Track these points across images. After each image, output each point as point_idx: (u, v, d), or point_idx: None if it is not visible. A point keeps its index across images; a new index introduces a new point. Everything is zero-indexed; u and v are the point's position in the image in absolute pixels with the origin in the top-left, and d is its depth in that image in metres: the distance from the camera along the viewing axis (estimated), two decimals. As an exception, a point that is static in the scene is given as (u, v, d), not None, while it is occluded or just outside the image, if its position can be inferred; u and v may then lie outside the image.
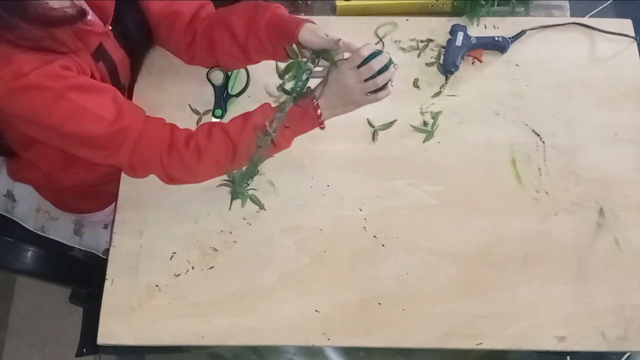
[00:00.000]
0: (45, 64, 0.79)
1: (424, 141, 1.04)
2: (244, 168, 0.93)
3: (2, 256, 0.97)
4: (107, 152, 0.87)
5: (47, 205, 1.17)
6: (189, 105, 1.05)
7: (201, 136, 0.89)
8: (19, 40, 0.77)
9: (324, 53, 0.88)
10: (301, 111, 0.88)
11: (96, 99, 0.84)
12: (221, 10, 1.00)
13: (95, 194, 1.15)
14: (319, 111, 0.88)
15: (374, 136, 1.03)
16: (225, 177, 0.94)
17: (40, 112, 0.81)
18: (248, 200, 0.97)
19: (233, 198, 0.97)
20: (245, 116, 0.90)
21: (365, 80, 0.84)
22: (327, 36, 0.86)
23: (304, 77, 0.87)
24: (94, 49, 0.90)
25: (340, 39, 0.85)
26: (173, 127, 0.91)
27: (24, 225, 1.15)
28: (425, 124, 1.05)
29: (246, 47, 0.96)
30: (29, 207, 1.16)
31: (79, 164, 1.02)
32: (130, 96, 1.07)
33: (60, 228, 1.18)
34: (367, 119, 1.04)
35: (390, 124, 1.04)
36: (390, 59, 0.85)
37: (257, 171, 0.98)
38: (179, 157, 0.88)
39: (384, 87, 0.86)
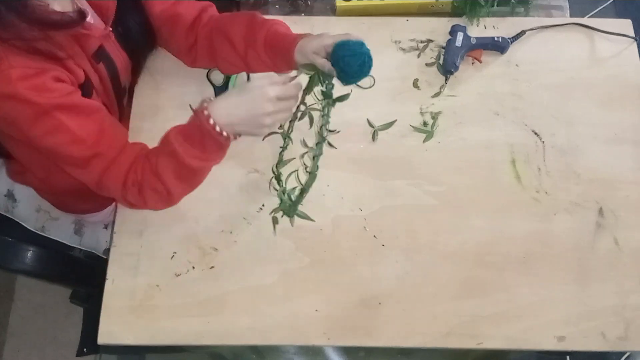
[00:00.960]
0: (37, 75, 0.78)
1: (424, 141, 1.04)
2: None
3: (2, 256, 0.97)
4: (78, 170, 0.87)
5: (48, 206, 1.17)
6: (189, 106, 1.05)
7: (137, 169, 0.87)
8: (15, 40, 0.75)
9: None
10: (197, 127, 0.82)
11: (80, 120, 0.83)
12: (221, 17, 1.00)
13: (94, 194, 1.15)
14: (211, 120, 0.81)
15: (374, 136, 1.03)
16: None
17: (21, 122, 0.80)
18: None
19: (289, 215, 0.95)
20: (163, 140, 0.87)
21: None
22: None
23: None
24: (94, 51, 0.89)
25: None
26: (136, 160, 0.88)
27: (24, 225, 1.15)
28: (425, 124, 1.05)
29: (246, 59, 0.98)
30: (30, 207, 1.16)
31: None
32: (130, 97, 1.07)
33: (60, 228, 1.18)
34: (367, 119, 1.04)
35: (390, 124, 1.04)
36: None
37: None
38: (131, 195, 0.88)
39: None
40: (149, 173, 0.87)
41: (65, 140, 0.83)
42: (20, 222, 1.15)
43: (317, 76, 0.88)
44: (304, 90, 0.90)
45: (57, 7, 0.79)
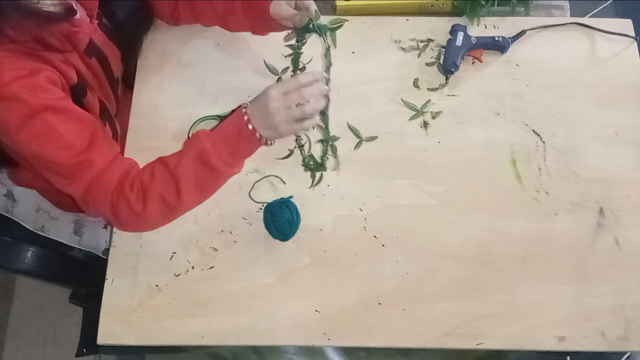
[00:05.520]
0: (29, 75, 0.77)
1: (410, 119, 1.04)
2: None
3: (2, 256, 0.97)
4: (65, 181, 0.84)
5: (47, 205, 1.17)
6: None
7: (144, 175, 0.86)
8: (7, 43, 0.75)
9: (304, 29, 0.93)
10: (236, 129, 0.84)
11: (71, 125, 0.81)
12: None
13: None
14: (250, 126, 0.83)
15: (356, 146, 1.02)
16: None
17: (11, 124, 0.79)
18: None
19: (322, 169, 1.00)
20: (183, 147, 0.88)
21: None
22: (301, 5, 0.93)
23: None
24: (85, 47, 0.89)
25: (297, 14, 0.92)
26: (129, 171, 0.87)
27: (24, 225, 1.15)
28: (425, 123, 1.05)
29: (226, 23, 1.04)
30: (29, 207, 1.16)
31: None
32: (125, 87, 1.08)
33: (60, 228, 1.18)
34: (347, 122, 1.04)
35: (374, 137, 1.03)
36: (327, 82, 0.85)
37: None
38: (126, 202, 0.84)
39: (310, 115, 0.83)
40: (164, 175, 0.84)
41: (54, 145, 0.80)
42: (19, 222, 1.15)
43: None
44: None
45: (47, 6, 0.79)
